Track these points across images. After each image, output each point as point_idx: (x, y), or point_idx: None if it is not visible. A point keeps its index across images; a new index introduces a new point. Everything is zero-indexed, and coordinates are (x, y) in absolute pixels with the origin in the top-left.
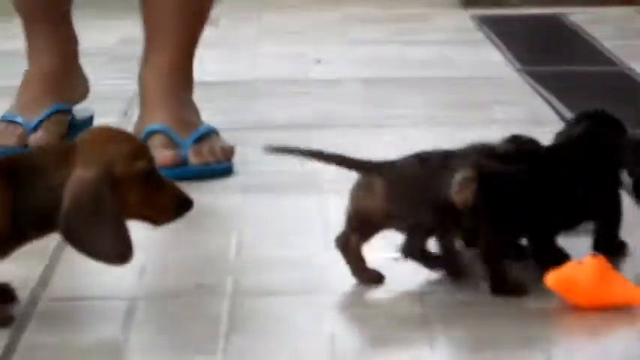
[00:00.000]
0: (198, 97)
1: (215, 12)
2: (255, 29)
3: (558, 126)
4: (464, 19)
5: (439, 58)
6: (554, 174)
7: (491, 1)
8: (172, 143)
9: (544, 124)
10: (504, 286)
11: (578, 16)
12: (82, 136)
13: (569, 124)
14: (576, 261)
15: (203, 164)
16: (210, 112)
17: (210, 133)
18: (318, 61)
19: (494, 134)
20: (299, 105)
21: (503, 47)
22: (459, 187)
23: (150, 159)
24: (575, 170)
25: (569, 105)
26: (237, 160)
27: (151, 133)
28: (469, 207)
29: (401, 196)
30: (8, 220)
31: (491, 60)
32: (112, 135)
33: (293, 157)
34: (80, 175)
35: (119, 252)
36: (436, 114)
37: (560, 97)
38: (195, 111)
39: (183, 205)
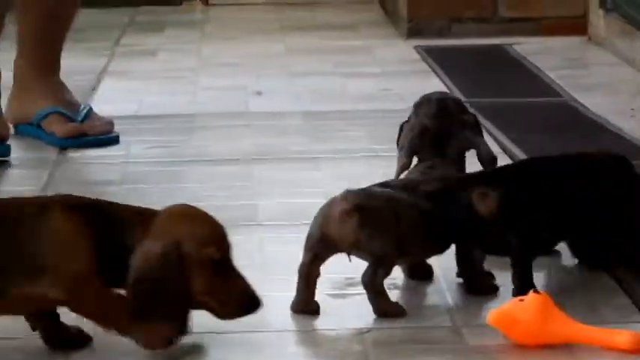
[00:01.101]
0: (137, 130)
1: (154, 44)
2: (196, 61)
3: (501, 160)
4: (407, 50)
5: (381, 90)
6: None
7: (435, 32)
8: (68, 119)
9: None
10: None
11: (524, 47)
12: (166, 207)
13: None
14: (518, 298)
15: (100, 134)
16: (149, 144)
17: (91, 109)
18: (259, 93)
19: None
20: (239, 138)
21: (447, 79)
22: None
23: (224, 248)
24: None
25: (512, 138)
26: (176, 195)
27: (47, 115)
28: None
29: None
30: (94, 264)
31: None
32: (191, 214)
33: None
34: (148, 247)
35: (169, 335)
36: (377, 147)
37: (504, 130)
38: (69, 90)
39: (250, 304)
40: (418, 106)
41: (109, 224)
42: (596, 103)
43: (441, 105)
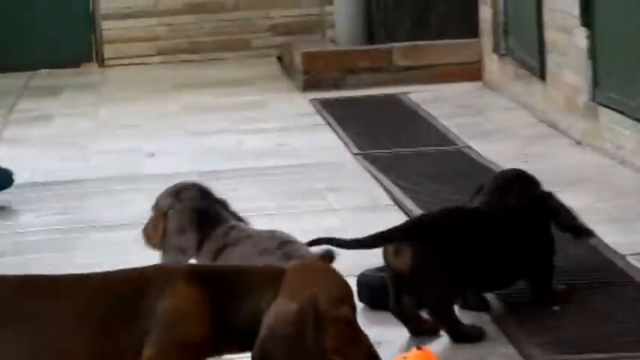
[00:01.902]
0: (31, 197)
1: (51, 108)
2: (92, 124)
3: (394, 211)
4: (303, 103)
5: (277, 146)
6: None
7: (330, 84)
8: None
9: (380, 209)
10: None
11: (419, 95)
12: (293, 264)
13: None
14: (401, 356)
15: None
16: (42, 213)
17: None
18: (152, 155)
19: (332, 223)
20: (133, 202)
21: (342, 131)
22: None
23: (354, 306)
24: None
25: (405, 189)
26: (68, 263)
27: None
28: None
29: None
30: (209, 329)
31: (329, 145)
32: (324, 271)
33: (123, 257)
34: (283, 305)
35: None
36: (272, 205)
37: (397, 181)
38: None
39: None
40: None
41: (230, 290)
42: (491, 149)
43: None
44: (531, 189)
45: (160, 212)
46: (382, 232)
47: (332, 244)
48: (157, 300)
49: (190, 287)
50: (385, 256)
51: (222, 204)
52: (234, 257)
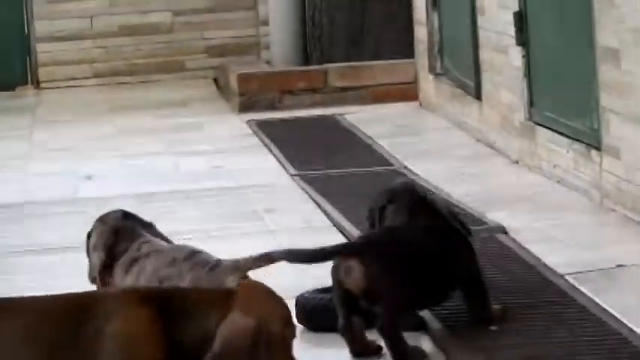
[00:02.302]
0: None
1: None
2: (27, 147)
3: (332, 233)
4: (240, 124)
5: (213, 168)
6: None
7: (267, 105)
8: None
9: (317, 230)
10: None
11: (355, 116)
12: (243, 284)
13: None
14: None
15: None
16: None
17: None
18: (89, 178)
19: (268, 244)
20: (69, 225)
21: (278, 152)
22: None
23: (294, 329)
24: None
25: (342, 210)
26: (8, 287)
27: None
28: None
29: None
30: (160, 351)
31: (266, 166)
32: (271, 293)
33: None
34: (239, 320)
35: None
36: (209, 227)
37: (334, 202)
38: None
39: None
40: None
41: (183, 312)
42: (428, 169)
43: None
44: (424, 199)
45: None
46: (329, 248)
47: (287, 258)
48: (105, 322)
49: (140, 309)
50: (336, 274)
51: (148, 225)
52: (147, 268)
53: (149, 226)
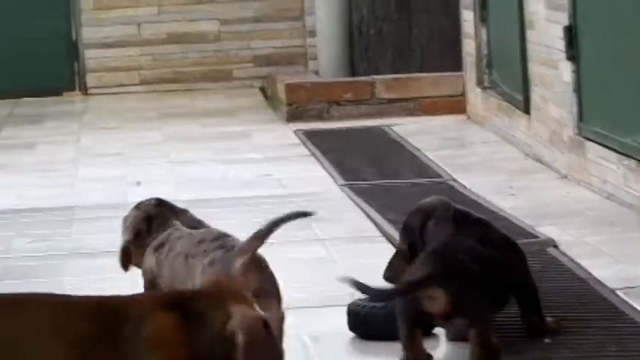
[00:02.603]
0: (16, 224)
1: (34, 136)
2: (75, 152)
3: (380, 242)
4: (287, 134)
5: (261, 176)
6: None
7: (314, 115)
8: None
9: (366, 239)
10: None
11: (402, 128)
12: (212, 282)
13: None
14: None
15: None
16: (28, 238)
17: None
18: (138, 184)
19: (319, 252)
20: (118, 229)
21: (326, 162)
22: None
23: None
24: None
25: (390, 220)
26: (57, 289)
27: None
28: None
29: None
30: (188, 354)
31: (314, 175)
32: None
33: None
34: (247, 313)
35: None
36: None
37: (382, 212)
38: None
39: None
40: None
41: (200, 319)
42: (475, 183)
43: None
44: (463, 212)
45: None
46: (413, 280)
47: (363, 291)
48: (139, 325)
49: (169, 314)
50: (417, 304)
51: (182, 212)
52: (176, 247)
53: (183, 212)
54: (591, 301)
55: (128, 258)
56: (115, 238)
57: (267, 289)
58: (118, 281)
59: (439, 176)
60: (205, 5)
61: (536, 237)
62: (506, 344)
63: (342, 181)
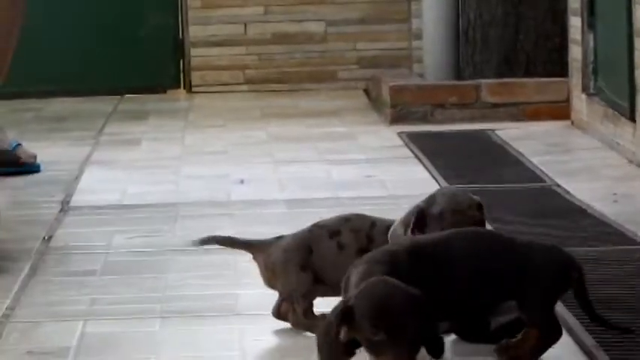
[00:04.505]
0: (119, 219)
1: (138, 133)
2: (179, 149)
3: None
4: (391, 136)
5: (365, 177)
6: None
7: (418, 118)
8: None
9: None
10: None
11: (506, 132)
12: None
13: None
14: None
15: (26, 164)
16: (131, 234)
17: (20, 145)
18: (242, 182)
19: None
20: (222, 227)
21: (430, 164)
22: None
23: None
24: None
25: (494, 224)
26: (158, 285)
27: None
28: None
29: None
30: None
31: (418, 177)
32: None
33: (214, 281)
34: None
35: None
36: None
37: (487, 216)
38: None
39: None
40: None
41: None
42: (579, 189)
43: None
44: None
45: None
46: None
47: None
48: None
49: None
50: None
51: None
52: None
53: None
54: None
55: None
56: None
57: None
58: (219, 279)
59: (542, 181)
60: (311, 6)
61: (638, 244)
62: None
63: (445, 184)
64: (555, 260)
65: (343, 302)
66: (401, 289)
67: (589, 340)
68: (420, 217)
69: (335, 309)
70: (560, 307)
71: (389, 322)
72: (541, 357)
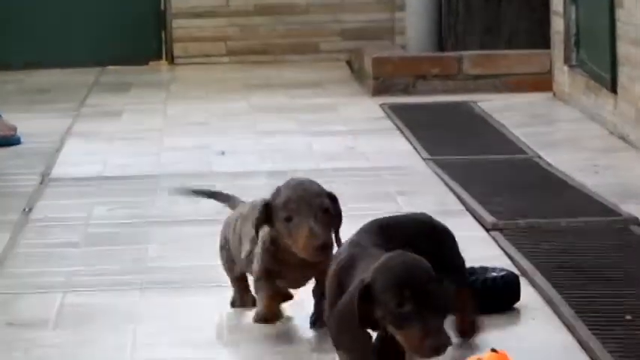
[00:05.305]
0: (100, 191)
1: (120, 104)
2: (161, 121)
3: (466, 217)
4: (373, 107)
5: (346, 148)
6: None
7: (400, 90)
8: None
9: (452, 214)
10: None
11: (488, 104)
12: None
13: None
14: (475, 357)
15: (5, 137)
16: (112, 206)
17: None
18: (222, 153)
19: None
20: (203, 199)
21: (412, 136)
22: None
23: None
24: None
25: (476, 195)
26: (138, 257)
27: None
28: None
29: None
30: None
31: (399, 149)
32: None
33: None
34: None
35: None
36: (342, 207)
37: (467, 187)
38: None
39: None
40: None
41: None
42: (561, 160)
43: None
44: None
45: None
46: None
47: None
48: None
49: None
50: None
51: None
52: None
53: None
54: None
55: None
56: (199, 208)
57: None
58: (201, 251)
59: (524, 152)
60: None
61: (619, 215)
62: (585, 321)
63: (426, 155)
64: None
65: (360, 281)
66: (420, 259)
67: (567, 311)
68: (265, 210)
69: (350, 293)
70: (539, 279)
71: (415, 291)
72: (517, 330)
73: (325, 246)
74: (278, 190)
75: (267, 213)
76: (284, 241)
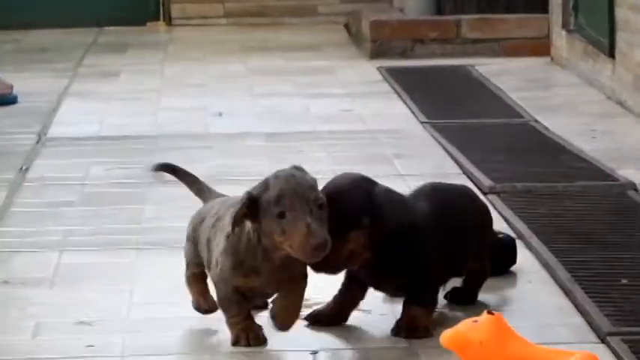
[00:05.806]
0: (97, 151)
1: (117, 65)
2: (158, 82)
3: (460, 179)
4: (370, 71)
5: (343, 111)
6: None
7: (398, 53)
8: None
9: (448, 177)
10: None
11: (485, 68)
12: None
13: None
14: (471, 319)
15: (2, 95)
16: (109, 166)
17: None
18: (220, 114)
19: (400, 188)
20: (200, 159)
21: (409, 99)
22: None
23: None
24: None
25: (473, 159)
26: (134, 217)
27: None
28: None
29: None
30: None
31: (396, 112)
32: None
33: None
34: None
35: None
36: (339, 169)
37: (464, 150)
38: None
39: None
40: None
41: None
42: (558, 125)
43: None
44: None
45: None
46: None
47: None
48: None
49: None
50: None
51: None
52: None
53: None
54: None
55: None
56: (196, 168)
57: None
58: (196, 210)
59: (521, 117)
60: None
61: (616, 180)
62: (580, 284)
63: (423, 119)
64: None
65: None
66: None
67: (564, 274)
68: (250, 205)
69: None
70: (536, 243)
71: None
72: (514, 293)
73: (324, 245)
74: (266, 183)
75: (252, 208)
76: (274, 239)
